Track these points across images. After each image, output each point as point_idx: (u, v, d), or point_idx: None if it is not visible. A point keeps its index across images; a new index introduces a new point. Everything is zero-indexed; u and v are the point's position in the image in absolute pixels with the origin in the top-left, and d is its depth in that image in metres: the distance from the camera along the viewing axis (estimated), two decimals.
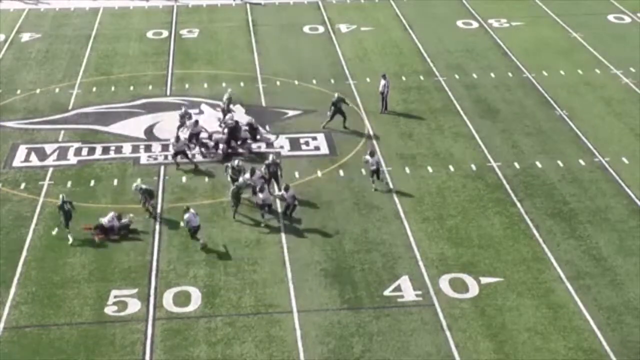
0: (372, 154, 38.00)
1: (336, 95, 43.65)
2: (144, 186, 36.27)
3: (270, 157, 38.17)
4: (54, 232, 34.91)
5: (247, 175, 36.79)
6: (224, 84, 47.95)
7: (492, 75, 49.91)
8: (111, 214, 34.88)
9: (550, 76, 49.52)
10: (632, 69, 50.10)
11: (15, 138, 42.47)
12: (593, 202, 37.23)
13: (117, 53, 53.55)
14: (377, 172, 37.73)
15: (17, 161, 40.32)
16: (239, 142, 41.44)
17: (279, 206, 36.44)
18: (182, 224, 34.91)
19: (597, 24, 57.64)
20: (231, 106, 43.58)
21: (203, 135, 41.40)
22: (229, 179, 37.50)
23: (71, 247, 33.98)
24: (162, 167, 39.85)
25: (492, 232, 35.21)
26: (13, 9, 61.25)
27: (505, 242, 34.49)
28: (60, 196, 34.88)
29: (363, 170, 39.16)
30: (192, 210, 34.51)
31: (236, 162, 37.85)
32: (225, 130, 41.28)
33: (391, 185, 38.21)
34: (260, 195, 35.68)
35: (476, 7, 61.13)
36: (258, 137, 42.11)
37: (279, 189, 36.88)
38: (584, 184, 38.57)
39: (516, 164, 40.07)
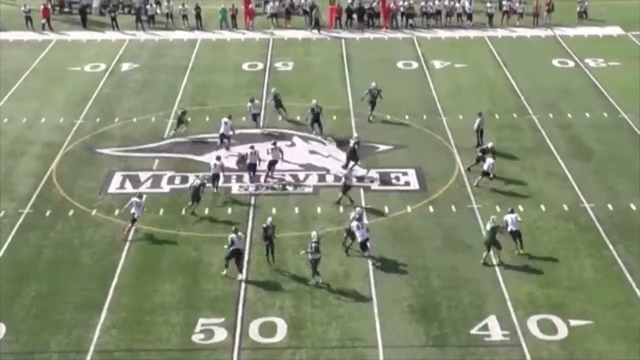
0: (512, 211, 36.56)
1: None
2: (197, 182, 38.52)
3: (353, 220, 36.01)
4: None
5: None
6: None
7: (587, 115, 49.27)
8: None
9: None
10: None
11: (112, 165, 43.34)
12: None
13: (213, 84, 54.48)
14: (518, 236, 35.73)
15: (113, 188, 41.15)
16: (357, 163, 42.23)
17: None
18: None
19: None
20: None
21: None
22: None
23: (160, 274, 34.47)
24: (253, 198, 40.25)
25: (583, 274, 34.61)
26: (115, 40, 62.85)
27: (596, 285, 33.85)
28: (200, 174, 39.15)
29: (453, 207, 39.00)
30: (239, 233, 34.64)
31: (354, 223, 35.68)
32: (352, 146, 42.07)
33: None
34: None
35: (573, 46, 60.62)
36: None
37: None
38: None
39: (610, 206, 39.35)
